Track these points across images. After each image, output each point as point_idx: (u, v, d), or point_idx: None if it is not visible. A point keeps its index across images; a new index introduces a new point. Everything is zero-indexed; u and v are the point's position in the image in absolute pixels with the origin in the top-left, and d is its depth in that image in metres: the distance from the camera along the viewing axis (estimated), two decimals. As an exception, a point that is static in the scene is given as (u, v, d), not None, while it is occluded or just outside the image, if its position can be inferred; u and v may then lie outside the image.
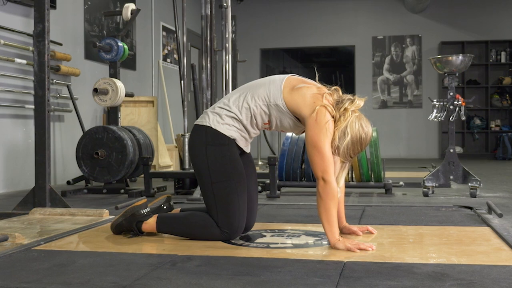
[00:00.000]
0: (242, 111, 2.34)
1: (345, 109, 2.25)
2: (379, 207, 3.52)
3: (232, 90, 4.73)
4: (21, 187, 5.05)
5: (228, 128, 2.35)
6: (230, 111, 2.36)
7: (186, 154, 4.83)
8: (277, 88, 2.32)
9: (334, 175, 2.27)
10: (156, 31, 8.16)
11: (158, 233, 2.48)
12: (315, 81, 2.39)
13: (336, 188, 2.22)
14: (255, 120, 2.36)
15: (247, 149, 2.49)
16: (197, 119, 5.24)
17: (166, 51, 8.51)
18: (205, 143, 2.35)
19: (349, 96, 2.31)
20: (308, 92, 2.29)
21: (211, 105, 4.67)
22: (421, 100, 10.38)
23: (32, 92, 4.17)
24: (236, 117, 2.35)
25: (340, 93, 2.34)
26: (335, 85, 2.37)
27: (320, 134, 2.21)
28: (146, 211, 2.50)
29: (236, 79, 8.27)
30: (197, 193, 3.98)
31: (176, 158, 6.66)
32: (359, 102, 2.29)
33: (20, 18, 5.18)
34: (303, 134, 2.40)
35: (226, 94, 7.55)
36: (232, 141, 2.36)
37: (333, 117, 2.25)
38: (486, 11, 10.19)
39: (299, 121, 2.32)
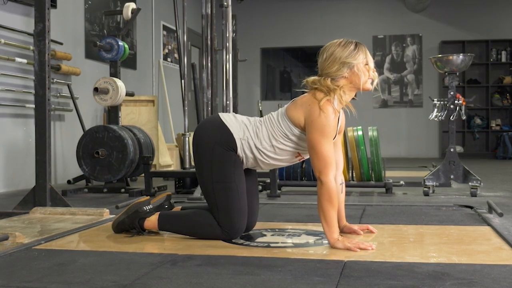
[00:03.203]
0: (264, 146, 2.34)
1: (321, 86, 2.27)
2: (380, 207, 3.52)
3: (233, 89, 4.73)
4: (21, 187, 5.05)
5: (240, 147, 2.35)
6: (253, 140, 2.35)
7: (187, 153, 4.83)
8: (284, 120, 2.32)
9: (337, 174, 2.31)
10: (156, 30, 8.16)
11: (159, 230, 2.49)
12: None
13: (334, 189, 2.21)
14: (283, 156, 2.36)
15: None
16: (197, 118, 5.23)
17: (166, 51, 8.50)
18: (215, 142, 2.35)
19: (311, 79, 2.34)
20: (302, 101, 2.31)
21: (211, 105, 4.67)
22: (422, 99, 10.38)
23: (33, 91, 4.18)
24: (254, 148, 2.34)
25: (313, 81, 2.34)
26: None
27: (318, 134, 2.21)
28: (149, 208, 2.50)
29: (237, 79, 8.28)
30: (197, 192, 3.98)
31: (177, 158, 6.66)
32: (307, 80, 2.32)
33: (21, 17, 5.18)
34: None
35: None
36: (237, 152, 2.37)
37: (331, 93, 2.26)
38: (486, 11, 10.19)
39: None
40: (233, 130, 2.36)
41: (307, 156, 2.41)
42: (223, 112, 4.23)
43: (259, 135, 2.35)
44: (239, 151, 2.36)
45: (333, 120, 2.23)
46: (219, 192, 2.34)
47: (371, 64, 2.34)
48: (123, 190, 4.65)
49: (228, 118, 2.41)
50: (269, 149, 2.34)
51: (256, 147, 2.34)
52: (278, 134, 2.33)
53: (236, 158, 2.36)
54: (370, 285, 1.66)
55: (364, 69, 2.30)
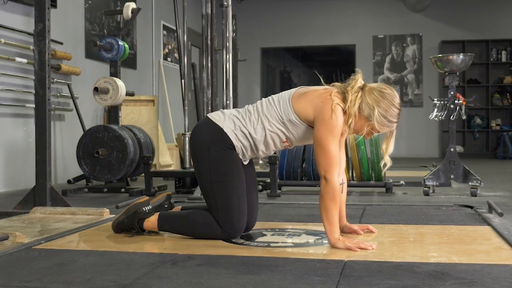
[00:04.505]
0: (257, 130, 2.34)
1: (346, 91, 2.26)
2: (380, 206, 3.52)
3: (233, 89, 4.73)
4: (21, 186, 5.05)
5: (235, 139, 2.35)
6: (245, 127, 2.36)
7: (187, 153, 4.83)
8: (286, 104, 2.33)
9: (339, 174, 2.30)
10: (156, 30, 8.16)
11: (159, 231, 2.49)
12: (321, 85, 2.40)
13: (338, 188, 2.22)
14: (272, 140, 2.36)
15: (245, 162, 2.48)
16: (197, 118, 5.22)
17: (166, 50, 8.50)
18: (210, 142, 2.35)
19: (348, 81, 2.32)
20: (314, 95, 2.30)
21: (211, 104, 4.67)
22: (422, 99, 10.38)
23: (33, 91, 4.18)
24: (249, 135, 2.35)
25: (341, 85, 2.33)
26: (333, 82, 2.37)
27: (327, 133, 2.21)
28: (148, 208, 2.50)
29: (237, 78, 8.28)
30: (197, 192, 3.98)
31: (177, 157, 6.66)
32: (356, 76, 2.30)
33: (21, 17, 5.18)
34: None
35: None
36: (234, 148, 2.37)
37: (344, 111, 2.25)
38: (486, 10, 10.18)
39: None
40: (223, 125, 2.36)
41: (293, 145, 2.42)
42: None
43: (251, 119, 2.36)
44: (236, 143, 2.35)
45: (342, 122, 2.23)
46: (218, 192, 2.33)
47: (377, 133, 2.33)
48: (123, 189, 4.65)
49: (216, 115, 2.42)
50: (260, 132, 2.34)
51: (249, 133, 2.34)
52: (274, 115, 2.33)
53: (233, 157, 2.36)
54: (370, 285, 1.65)
55: (367, 129, 2.29)
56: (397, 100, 2.29)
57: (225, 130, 2.35)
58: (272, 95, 2.42)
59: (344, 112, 2.25)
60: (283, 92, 2.41)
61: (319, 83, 2.41)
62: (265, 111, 2.35)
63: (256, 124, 2.35)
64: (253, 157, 2.48)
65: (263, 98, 2.44)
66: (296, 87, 2.44)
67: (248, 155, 2.43)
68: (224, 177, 2.34)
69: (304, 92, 2.34)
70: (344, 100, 2.26)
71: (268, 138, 2.35)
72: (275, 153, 6.34)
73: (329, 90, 2.30)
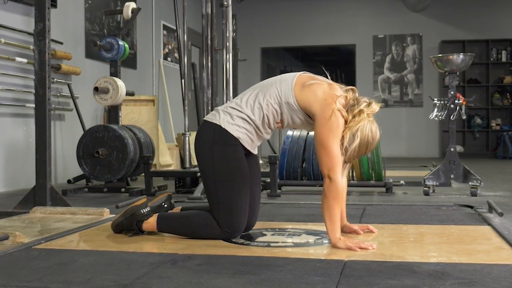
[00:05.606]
0: (254, 111, 2.34)
1: (360, 111, 2.25)
2: (380, 206, 3.52)
3: (233, 89, 4.74)
4: (21, 186, 5.05)
5: (237, 129, 2.34)
6: (242, 112, 2.35)
7: (187, 153, 4.84)
8: (288, 86, 2.32)
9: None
10: (156, 30, 8.16)
11: (158, 232, 2.48)
12: (326, 78, 2.40)
13: (342, 187, 2.22)
14: (267, 120, 2.35)
15: (254, 151, 2.49)
16: (197, 117, 5.23)
17: (166, 50, 8.50)
18: (212, 141, 2.35)
19: (365, 99, 2.31)
20: (319, 89, 2.29)
21: (211, 104, 4.68)
22: (422, 99, 10.38)
23: (33, 91, 4.17)
24: (248, 118, 2.34)
25: (356, 94, 2.33)
26: (351, 86, 2.36)
27: (329, 132, 2.20)
28: (146, 210, 2.49)
29: (237, 78, 8.27)
30: (197, 192, 3.98)
31: (177, 157, 6.66)
32: (375, 107, 2.29)
33: (21, 17, 5.18)
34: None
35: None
36: (239, 142, 2.36)
37: (345, 120, 2.25)
38: (486, 10, 10.19)
39: (311, 118, 2.32)
40: (220, 121, 2.36)
41: (285, 127, 2.42)
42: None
43: (248, 101, 2.36)
44: (238, 134, 2.34)
45: (343, 123, 2.24)
46: (221, 191, 2.33)
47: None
48: (123, 189, 4.65)
49: (211, 115, 2.43)
50: (258, 112, 2.34)
51: (248, 116, 2.34)
52: (272, 95, 2.32)
53: (237, 154, 2.35)
54: (370, 285, 1.65)
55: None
56: (373, 145, 2.30)
57: (224, 126, 2.34)
58: (273, 77, 2.41)
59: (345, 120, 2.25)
60: (285, 74, 2.40)
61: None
62: (264, 91, 2.35)
63: (253, 105, 2.34)
64: (261, 141, 2.47)
65: (262, 81, 2.43)
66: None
67: (256, 139, 2.41)
68: (227, 176, 2.33)
69: (310, 83, 2.31)
70: (348, 109, 2.26)
71: (264, 118, 2.35)
72: (274, 152, 6.33)
73: (334, 89, 2.29)
